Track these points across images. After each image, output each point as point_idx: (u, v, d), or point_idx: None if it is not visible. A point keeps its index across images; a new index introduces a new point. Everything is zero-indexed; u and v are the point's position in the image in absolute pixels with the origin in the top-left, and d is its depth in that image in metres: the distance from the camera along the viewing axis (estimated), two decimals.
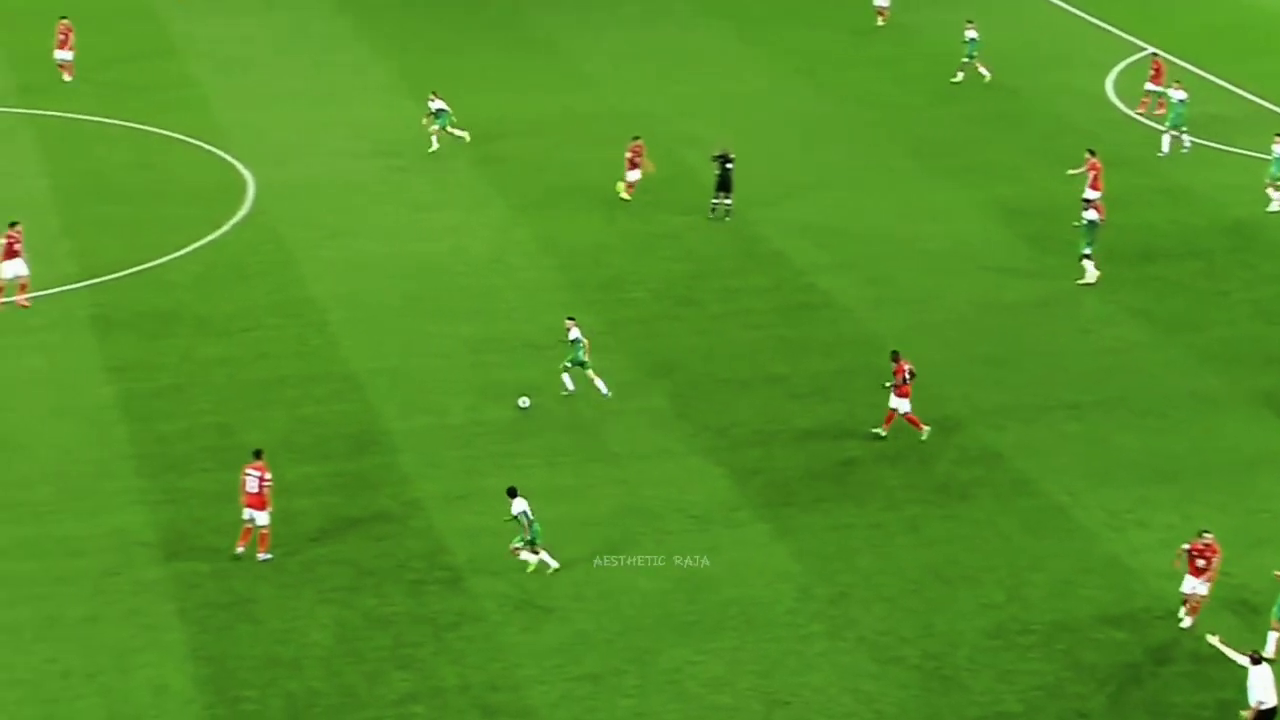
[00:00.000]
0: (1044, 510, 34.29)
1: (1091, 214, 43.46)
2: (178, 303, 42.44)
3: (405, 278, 44.12)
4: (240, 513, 32.41)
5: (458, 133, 51.22)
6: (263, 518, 32.29)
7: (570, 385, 38.06)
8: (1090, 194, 45.34)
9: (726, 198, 47.32)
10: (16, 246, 40.82)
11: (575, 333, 38.22)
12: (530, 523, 31.59)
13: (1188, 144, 50.82)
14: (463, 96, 56.22)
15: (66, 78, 55.42)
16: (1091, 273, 43.22)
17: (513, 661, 29.76)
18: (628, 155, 47.77)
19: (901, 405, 36.35)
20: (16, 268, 41.05)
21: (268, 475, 32.32)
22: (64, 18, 56.63)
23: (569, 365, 38.11)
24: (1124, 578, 32.05)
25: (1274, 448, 36.23)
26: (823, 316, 42.38)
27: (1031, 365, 39.95)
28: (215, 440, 36.30)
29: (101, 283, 43.31)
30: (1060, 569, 32.37)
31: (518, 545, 31.64)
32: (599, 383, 37.87)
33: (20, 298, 41.10)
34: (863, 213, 48.24)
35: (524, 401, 37.34)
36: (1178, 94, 51.48)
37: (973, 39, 56.76)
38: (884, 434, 36.31)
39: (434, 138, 51.02)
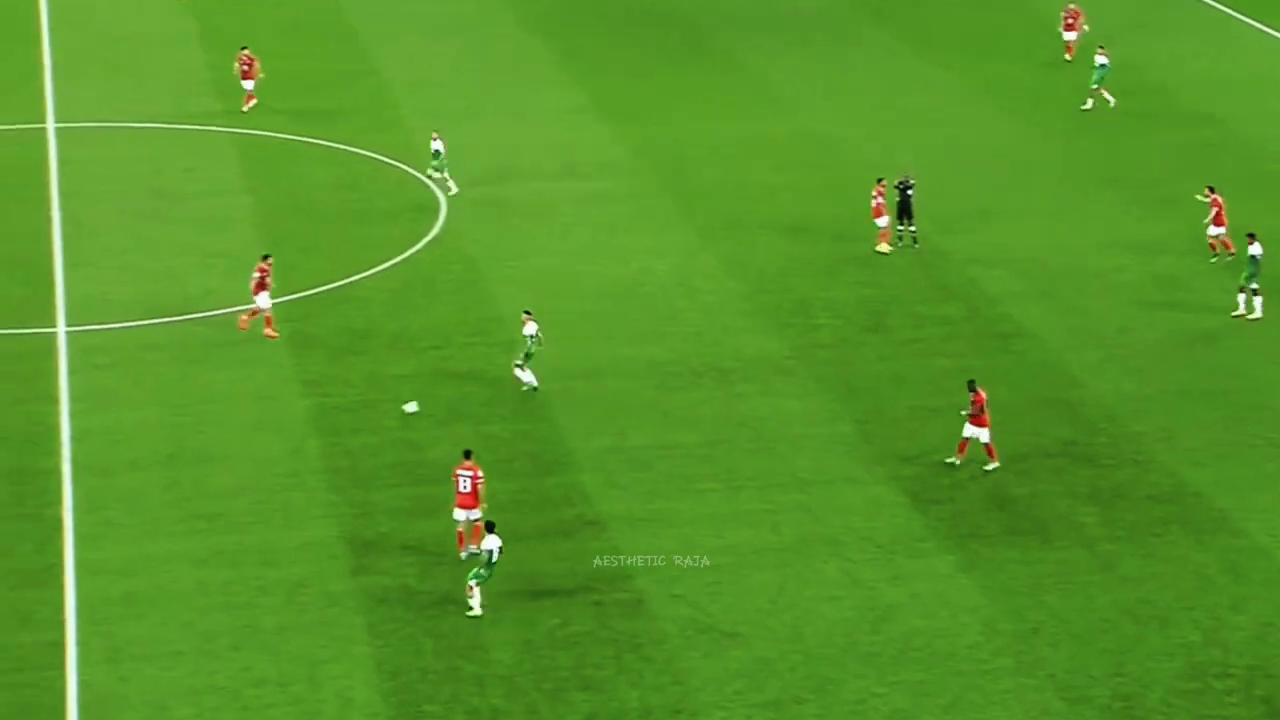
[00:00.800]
0: (1244, 551, 33.20)
1: (1256, 248, 42.21)
2: (370, 320, 43.22)
3: (592, 298, 44.36)
4: (452, 518, 32.97)
5: (447, 180, 49.72)
6: (476, 513, 32.84)
7: (531, 381, 38.75)
8: (1214, 230, 44.79)
9: (910, 224, 46.83)
10: (267, 279, 41.87)
11: (530, 328, 38.89)
12: (491, 564, 31.03)
13: None
14: (653, 119, 56.54)
15: (249, 105, 56.73)
16: (1258, 306, 42.07)
17: (694, 686, 29.66)
18: (876, 202, 46.38)
19: (981, 434, 35.72)
20: (265, 299, 41.68)
21: (480, 473, 32.89)
22: (245, 48, 58.04)
23: (521, 361, 38.67)
24: None
25: None
26: (1014, 347, 41.62)
27: (1232, 400, 38.76)
28: (403, 456, 36.84)
29: (299, 299, 44.30)
30: (1261, 611, 31.31)
31: (472, 582, 31.04)
32: (528, 376, 38.51)
33: (247, 321, 41.98)
34: (1058, 242, 47.29)
35: (411, 407, 37.46)
36: None
37: (1103, 65, 55.65)
38: (958, 462, 35.76)
39: (450, 181, 49.61)
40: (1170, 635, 30.64)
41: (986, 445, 35.83)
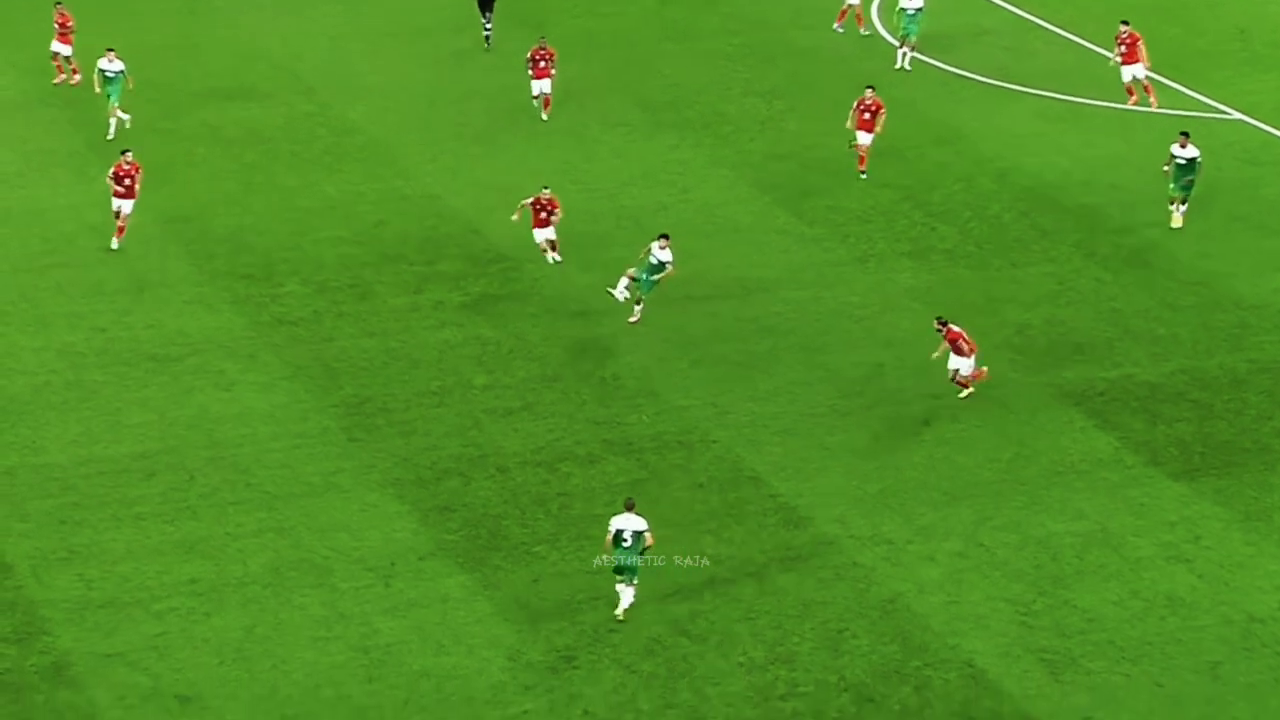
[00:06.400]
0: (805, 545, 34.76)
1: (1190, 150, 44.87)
2: None
3: None
4: None
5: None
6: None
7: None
8: None
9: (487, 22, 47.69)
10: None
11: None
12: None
13: None
14: None
15: None
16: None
17: None
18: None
19: (962, 365, 38.12)
20: None
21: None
22: None
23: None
24: None
25: None
26: (530, 308, 42.36)
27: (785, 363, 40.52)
28: None
29: None
30: (829, 617, 32.72)
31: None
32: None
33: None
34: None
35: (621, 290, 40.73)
36: None
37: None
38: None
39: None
40: (729, 653, 31.71)
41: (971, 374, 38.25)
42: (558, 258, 42.95)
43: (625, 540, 31.68)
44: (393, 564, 33.65)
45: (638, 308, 41.24)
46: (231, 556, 33.73)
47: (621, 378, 39.51)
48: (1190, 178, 45.27)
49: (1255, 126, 51.78)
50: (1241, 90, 53.83)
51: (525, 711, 30.24)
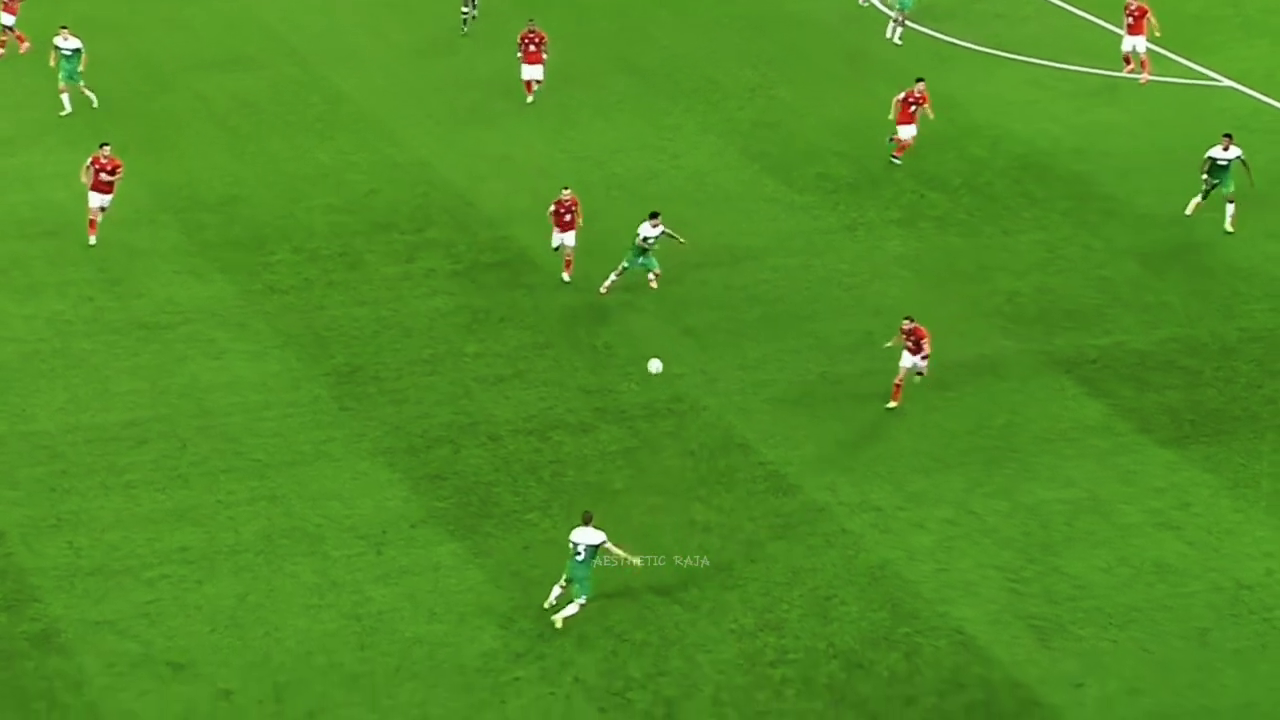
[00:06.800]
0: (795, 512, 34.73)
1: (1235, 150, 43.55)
2: None
3: None
4: None
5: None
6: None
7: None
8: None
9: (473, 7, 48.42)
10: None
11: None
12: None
13: None
14: None
15: None
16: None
17: None
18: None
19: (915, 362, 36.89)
20: None
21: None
22: None
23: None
24: None
25: None
26: (525, 279, 42.26)
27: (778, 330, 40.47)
28: None
29: None
30: (818, 584, 32.76)
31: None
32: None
33: None
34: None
35: (655, 365, 36.37)
36: None
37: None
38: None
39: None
40: (720, 621, 31.72)
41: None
42: (567, 277, 41.40)
43: (579, 553, 31.35)
44: (384, 532, 33.65)
45: (654, 273, 40.87)
46: (223, 524, 33.72)
47: (613, 346, 39.50)
48: (1229, 175, 43.95)
49: (1246, 94, 51.74)
50: (1233, 57, 53.79)
51: (517, 679, 30.27)
